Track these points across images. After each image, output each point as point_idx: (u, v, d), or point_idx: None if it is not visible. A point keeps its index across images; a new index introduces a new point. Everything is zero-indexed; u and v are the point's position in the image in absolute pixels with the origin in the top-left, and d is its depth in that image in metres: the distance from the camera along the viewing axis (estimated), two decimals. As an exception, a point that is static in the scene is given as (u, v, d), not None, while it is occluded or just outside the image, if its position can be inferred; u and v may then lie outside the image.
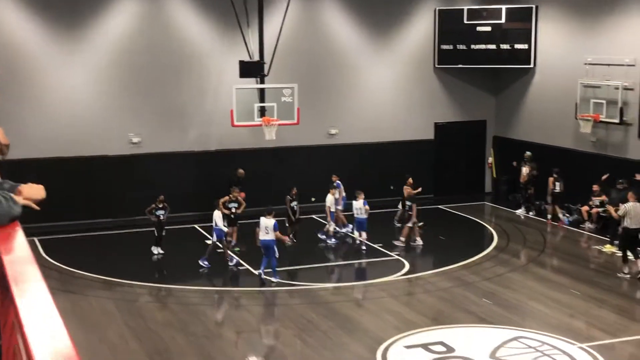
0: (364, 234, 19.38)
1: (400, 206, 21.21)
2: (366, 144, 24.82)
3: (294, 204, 19.81)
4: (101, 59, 22.18)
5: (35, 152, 21.07)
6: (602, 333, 13.73)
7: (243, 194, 19.63)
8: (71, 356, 2.21)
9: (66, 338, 2.28)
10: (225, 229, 17.98)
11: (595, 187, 20.88)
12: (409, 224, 19.52)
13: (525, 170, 23.03)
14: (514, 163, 23.50)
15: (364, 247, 19.30)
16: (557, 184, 21.80)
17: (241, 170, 21.57)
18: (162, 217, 18.96)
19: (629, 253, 16.98)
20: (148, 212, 18.99)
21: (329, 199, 19.92)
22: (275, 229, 16.71)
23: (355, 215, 19.41)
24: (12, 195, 3.69)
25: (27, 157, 20.03)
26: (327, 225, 20.05)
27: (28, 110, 21.46)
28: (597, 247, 19.54)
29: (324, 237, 20.03)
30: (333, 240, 19.97)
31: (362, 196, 19.25)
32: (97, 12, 21.87)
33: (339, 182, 20.88)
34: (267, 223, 16.77)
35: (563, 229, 21.35)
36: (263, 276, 16.77)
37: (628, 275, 16.81)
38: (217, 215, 17.83)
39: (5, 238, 3.34)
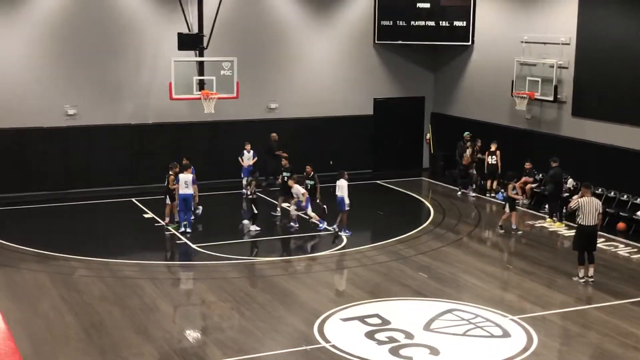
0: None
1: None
2: (306, 119, 24.84)
3: (309, 182, 19.21)
4: (37, 30, 21.71)
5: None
6: (532, 305, 14.10)
7: (284, 154, 20.99)
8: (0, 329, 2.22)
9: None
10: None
11: (528, 165, 21.33)
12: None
13: (469, 151, 22.67)
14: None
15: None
16: (492, 157, 22.27)
17: (274, 134, 22.83)
18: None
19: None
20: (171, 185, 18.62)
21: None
22: (193, 183, 18.26)
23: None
24: None
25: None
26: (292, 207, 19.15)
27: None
28: (530, 222, 19.99)
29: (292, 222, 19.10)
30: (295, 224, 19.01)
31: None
32: (31, -20, 21.40)
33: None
34: (186, 178, 18.14)
35: (496, 204, 21.75)
36: (188, 229, 18.22)
37: (582, 280, 15.26)
38: (344, 185, 18.18)
39: None
